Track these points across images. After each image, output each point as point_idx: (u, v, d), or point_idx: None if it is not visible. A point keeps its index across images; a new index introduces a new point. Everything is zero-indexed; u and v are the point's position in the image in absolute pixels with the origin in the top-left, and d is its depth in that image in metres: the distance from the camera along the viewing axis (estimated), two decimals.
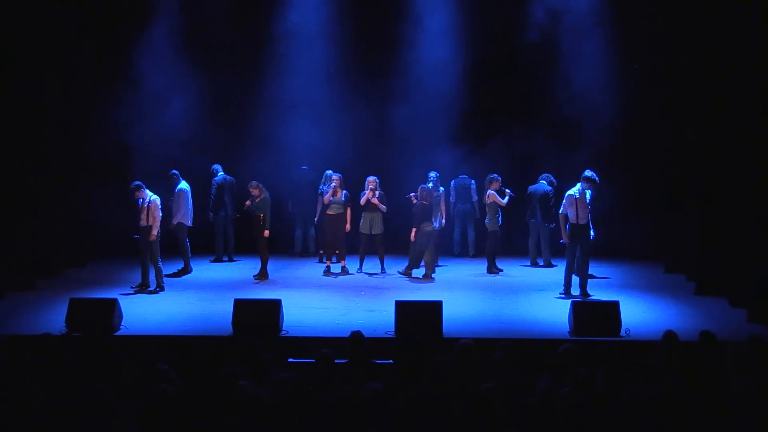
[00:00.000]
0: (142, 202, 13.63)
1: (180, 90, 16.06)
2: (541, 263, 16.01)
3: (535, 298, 13.39)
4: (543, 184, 15.78)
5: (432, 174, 15.48)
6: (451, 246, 16.99)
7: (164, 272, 14.02)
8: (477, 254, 16.69)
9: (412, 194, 14.84)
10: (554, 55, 16.52)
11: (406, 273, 14.88)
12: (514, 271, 15.67)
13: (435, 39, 16.56)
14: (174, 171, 15.43)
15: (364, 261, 15.46)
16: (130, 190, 13.67)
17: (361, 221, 15.26)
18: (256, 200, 14.64)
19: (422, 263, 14.86)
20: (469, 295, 13.49)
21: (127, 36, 15.84)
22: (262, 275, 14.72)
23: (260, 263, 14.80)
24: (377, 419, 6.74)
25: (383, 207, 15.06)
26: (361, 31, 16.94)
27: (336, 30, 16.69)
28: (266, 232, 14.65)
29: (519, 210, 15.90)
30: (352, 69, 16.66)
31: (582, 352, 8.58)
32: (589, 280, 13.40)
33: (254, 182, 14.76)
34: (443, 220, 15.61)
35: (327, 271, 15.29)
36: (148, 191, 13.70)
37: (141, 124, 15.77)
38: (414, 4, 16.76)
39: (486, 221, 15.29)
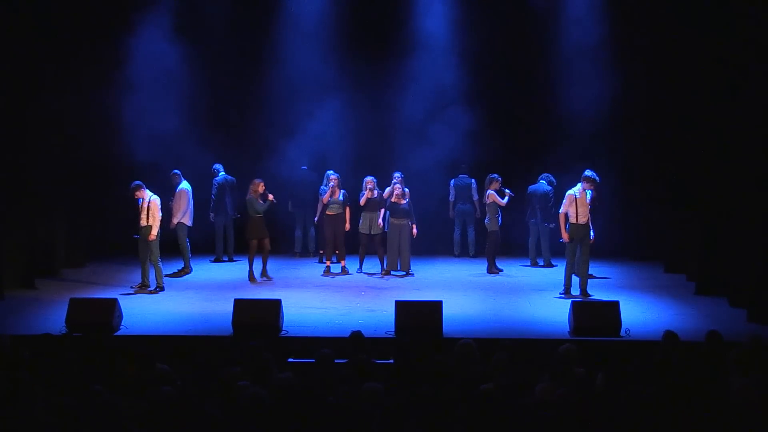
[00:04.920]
0: (142, 202, 13.63)
1: (179, 89, 16.04)
2: (541, 263, 16.00)
3: (535, 298, 13.39)
4: (543, 184, 15.76)
5: (396, 174, 15.47)
6: (451, 246, 16.99)
7: (164, 272, 14.01)
8: (477, 254, 16.69)
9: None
10: (555, 53, 16.51)
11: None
12: (514, 271, 15.66)
13: (434, 39, 16.55)
14: (176, 170, 15.43)
15: (364, 261, 15.46)
16: (130, 190, 13.67)
17: (361, 221, 15.26)
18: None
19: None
20: (469, 295, 13.49)
21: (126, 34, 15.79)
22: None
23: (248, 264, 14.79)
24: (377, 419, 6.74)
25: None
26: (361, 31, 16.91)
27: (336, 28, 16.65)
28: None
29: (519, 210, 15.89)
30: (352, 69, 16.62)
31: (582, 352, 8.59)
32: (589, 280, 13.40)
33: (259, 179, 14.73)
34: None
35: (327, 271, 15.29)
36: (148, 191, 13.70)
37: (141, 123, 15.73)
38: (414, 5, 16.77)
39: (486, 221, 15.28)
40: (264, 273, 14.70)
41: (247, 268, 14.68)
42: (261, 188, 14.59)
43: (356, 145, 16.88)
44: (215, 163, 16.41)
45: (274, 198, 14.74)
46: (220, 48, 16.87)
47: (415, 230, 15.11)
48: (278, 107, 16.82)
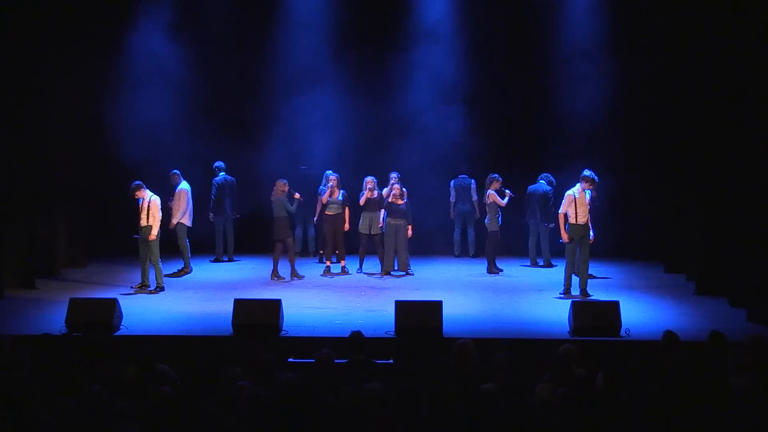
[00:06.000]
0: (142, 202, 13.62)
1: (179, 88, 16.04)
2: (541, 263, 16.00)
3: (535, 298, 13.39)
4: (542, 184, 15.76)
5: (393, 174, 15.45)
6: (451, 246, 16.99)
7: (164, 272, 14.01)
8: (477, 254, 16.69)
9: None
10: (554, 52, 16.52)
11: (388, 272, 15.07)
12: (514, 271, 15.66)
13: (434, 38, 16.54)
14: (175, 170, 15.41)
15: (364, 261, 15.46)
16: (130, 190, 13.66)
17: (360, 221, 15.26)
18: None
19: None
20: (469, 295, 13.48)
21: (124, 33, 15.79)
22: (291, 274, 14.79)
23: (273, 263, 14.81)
24: (377, 419, 6.74)
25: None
26: (360, 29, 16.91)
27: (336, 26, 16.63)
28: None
29: (519, 210, 15.89)
30: (352, 68, 16.61)
31: (582, 352, 8.60)
32: (589, 280, 13.40)
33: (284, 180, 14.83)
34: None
35: (327, 271, 15.29)
36: (148, 191, 13.70)
37: (140, 122, 15.73)
38: (414, 5, 16.78)
39: (486, 221, 15.28)
40: (294, 273, 14.75)
41: (271, 268, 14.75)
42: (286, 188, 14.65)
43: (356, 145, 16.86)
44: (217, 161, 16.38)
45: (300, 196, 14.94)
46: (218, 47, 16.87)
47: (410, 232, 15.11)
48: (278, 107, 16.77)
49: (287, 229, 14.70)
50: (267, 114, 16.97)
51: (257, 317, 11.03)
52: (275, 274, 14.71)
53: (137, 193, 13.61)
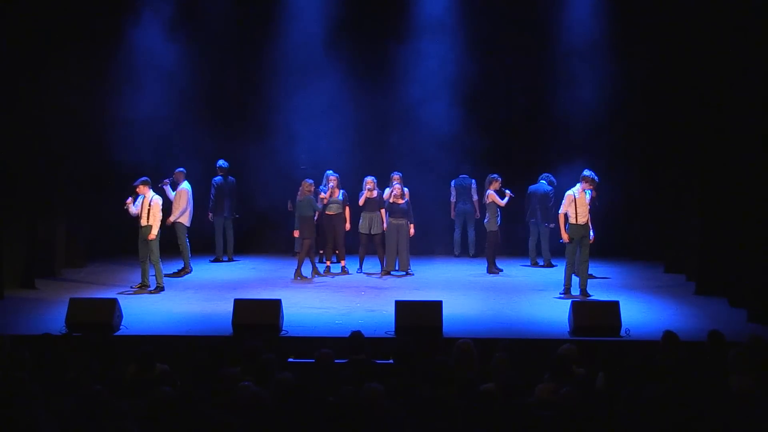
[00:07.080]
0: (143, 199, 13.60)
1: (178, 87, 16.06)
2: (541, 263, 16.00)
3: (535, 298, 13.39)
4: (543, 184, 15.77)
5: (395, 174, 15.45)
6: (451, 246, 17.00)
7: (164, 272, 14.00)
8: (477, 254, 16.70)
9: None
10: (555, 52, 16.53)
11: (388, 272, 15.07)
12: (514, 271, 15.66)
13: (435, 36, 16.54)
14: (181, 168, 15.35)
15: (364, 261, 15.46)
16: (137, 182, 13.57)
17: (361, 221, 15.26)
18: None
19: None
20: (469, 295, 13.48)
21: (124, 34, 15.79)
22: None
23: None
24: (377, 419, 6.74)
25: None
26: (361, 28, 16.91)
27: (335, 26, 16.61)
28: (295, 232, 15.03)
29: (519, 210, 15.89)
30: (351, 68, 16.62)
31: (582, 352, 8.60)
32: (589, 280, 13.40)
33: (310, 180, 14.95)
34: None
35: (327, 271, 15.29)
36: (151, 190, 13.67)
37: (141, 122, 15.74)
38: (414, 2, 16.79)
39: (485, 221, 15.29)
40: (299, 273, 14.77)
41: (310, 267, 14.87)
42: (312, 188, 14.77)
43: (356, 145, 16.87)
44: (220, 161, 16.36)
45: (323, 194, 15.12)
46: (218, 44, 16.88)
47: (412, 230, 15.12)
48: (277, 106, 16.80)
49: (312, 228, 14.73)
50: (266, 113, 16.98)
51: (257, 317, 11.03)
52: (315, 271, 14.87)
53: (140, 187, 13.58)
